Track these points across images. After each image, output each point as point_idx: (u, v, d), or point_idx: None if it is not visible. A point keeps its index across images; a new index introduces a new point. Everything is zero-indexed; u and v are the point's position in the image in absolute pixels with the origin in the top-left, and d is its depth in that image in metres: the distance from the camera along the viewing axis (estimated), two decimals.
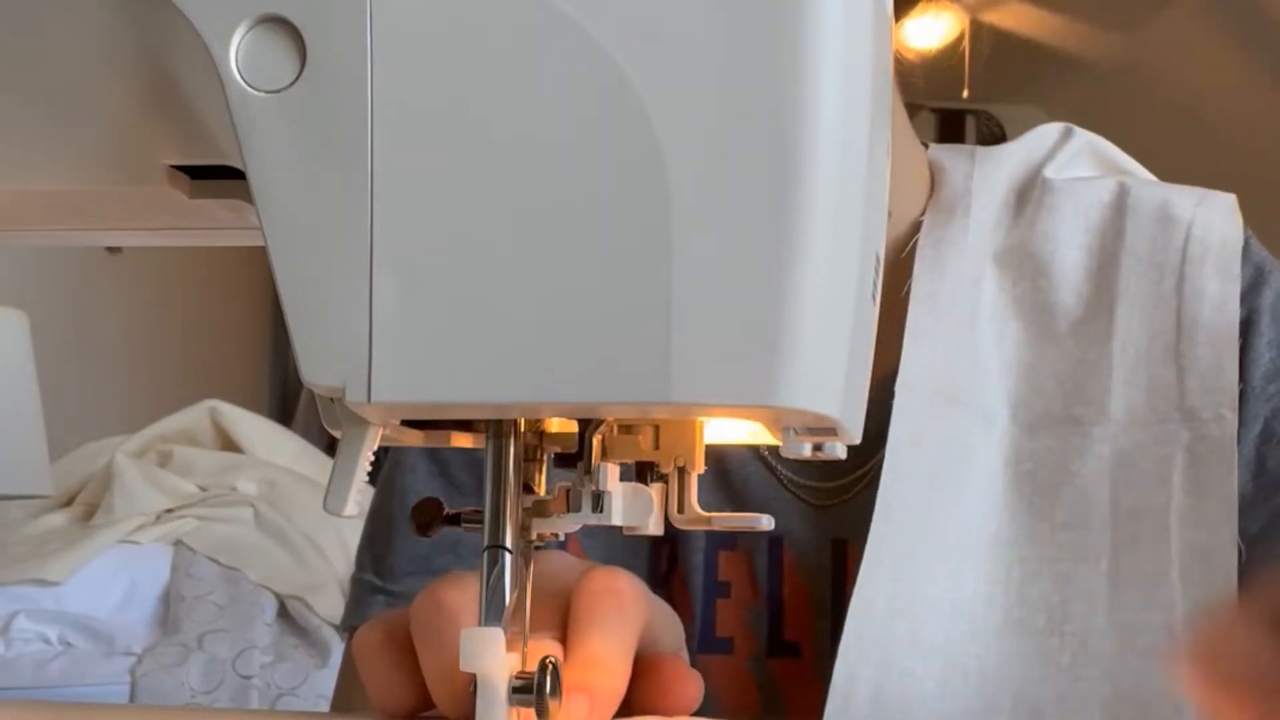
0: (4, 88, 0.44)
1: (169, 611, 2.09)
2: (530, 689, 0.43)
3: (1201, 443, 0.68)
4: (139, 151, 0.44)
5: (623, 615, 0.49)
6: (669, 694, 0.50)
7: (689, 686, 0.51)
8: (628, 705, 0.49)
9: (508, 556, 0.44)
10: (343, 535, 2.26)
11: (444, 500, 0.48)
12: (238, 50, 0.39)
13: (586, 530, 0.49)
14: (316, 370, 0.40)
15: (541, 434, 0.46)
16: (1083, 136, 0.82)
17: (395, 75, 0.39)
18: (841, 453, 0.44)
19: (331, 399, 0.42)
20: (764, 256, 0.39)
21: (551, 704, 0.43)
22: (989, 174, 0.77)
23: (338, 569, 2.22)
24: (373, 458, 0.43)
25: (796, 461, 0.74)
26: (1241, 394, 0.69)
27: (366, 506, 0.80)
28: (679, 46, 0.39)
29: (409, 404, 0.40)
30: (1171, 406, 0.69)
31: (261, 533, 2.28)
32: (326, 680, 2.01)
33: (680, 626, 0.55)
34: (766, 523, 0.47)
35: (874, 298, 0.44)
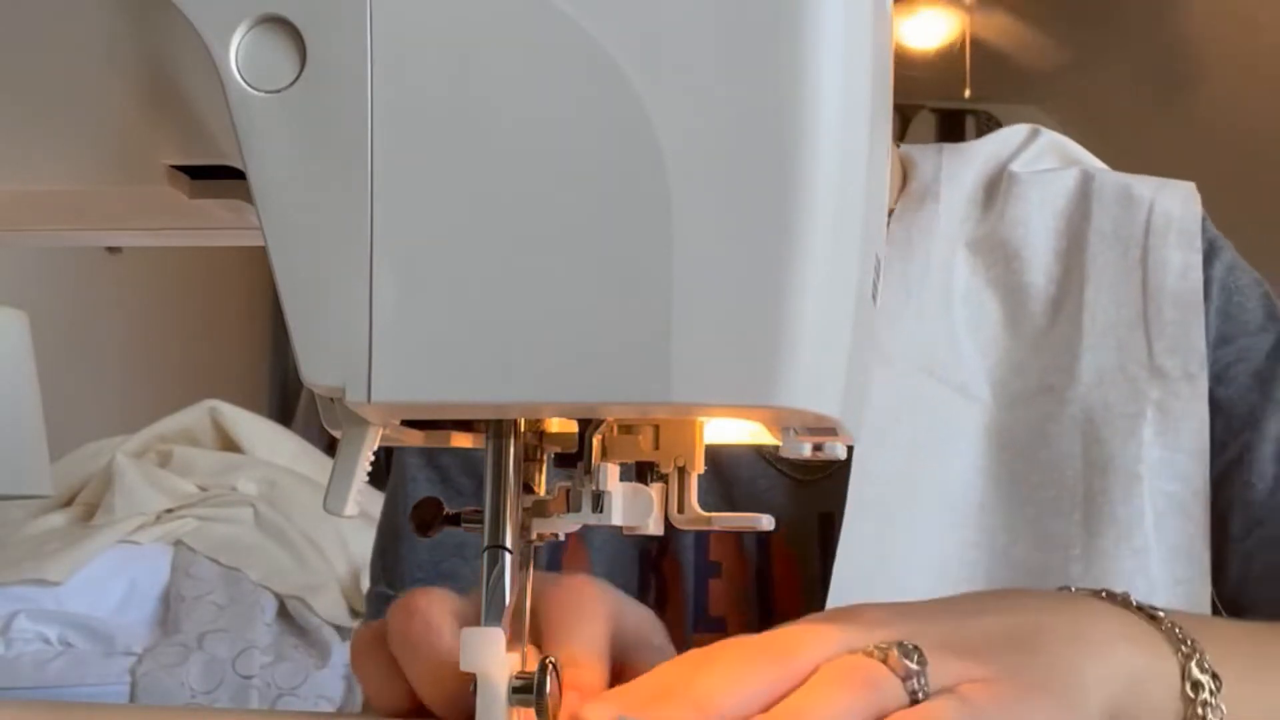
0: (4, 88, 0.44)
1: (169, 611, 2.09)
2: (530, 689, 0.43)
3: (1173, 399, 0.71)
4: (139, 151, 0.44)
5: (593, 615, 0.49)
6: None
7: None
8: None
9: (508, 556, 0.44)
10: (343, 535, 2.26)
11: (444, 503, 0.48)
12: (238, 50, 0.39)
13: None
14: (316, 370, 0.40)
15: (541, 434, 0.46)
16: (1048, 136, 0.85)
17: (395, 75, 0.39)
18: (841, 453, 0.44)
19: (331, 399, 0.42)
20: (764, 257, 0.39)
21: (551, 704, 0.43)
22: (957, 168, 0.80)
23: (338, 569, 2.22)
24: (373, 458, 0.43)
25: None
26: None
27: (367, 507, 0.80)
28: (679, 47, 0.39)
29: (409, 404, 0.40)
30: (1140, 367, 0.72)
31: (261, 533, 2.28)
32: (326, 680, 2.01)
33: (661, 625, 0.55)
34: (767, 522, 0.47)
35: (874, 298, 0.44)
